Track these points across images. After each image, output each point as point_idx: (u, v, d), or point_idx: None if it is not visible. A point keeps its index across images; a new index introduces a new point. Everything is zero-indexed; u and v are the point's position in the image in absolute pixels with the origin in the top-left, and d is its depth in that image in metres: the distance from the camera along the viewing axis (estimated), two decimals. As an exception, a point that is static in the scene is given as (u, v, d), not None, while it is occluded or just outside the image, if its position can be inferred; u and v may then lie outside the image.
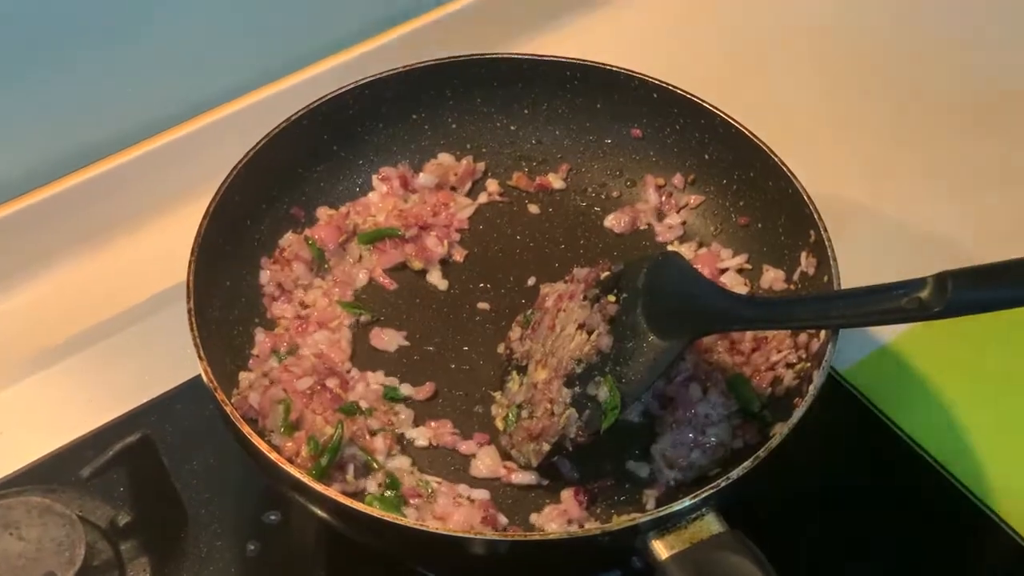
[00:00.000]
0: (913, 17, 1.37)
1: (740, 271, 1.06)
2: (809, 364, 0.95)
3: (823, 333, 0.94)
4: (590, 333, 0.91)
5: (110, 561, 0.93)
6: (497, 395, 0.98)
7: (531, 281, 1.06)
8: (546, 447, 0.92)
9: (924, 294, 0.84)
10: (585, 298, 0.94)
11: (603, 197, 1.12)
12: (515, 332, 1.00)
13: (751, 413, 0.96)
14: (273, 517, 0.98)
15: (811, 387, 0.90)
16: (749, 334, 0.99)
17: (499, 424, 0.96)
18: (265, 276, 1.03)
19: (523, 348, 0.97)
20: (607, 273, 0.94)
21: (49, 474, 0.98)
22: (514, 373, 0.97)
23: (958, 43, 1.34)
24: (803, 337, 0.98)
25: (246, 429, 0.86)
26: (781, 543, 0.81)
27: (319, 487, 0.83)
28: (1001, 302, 0.84)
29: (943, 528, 1.01)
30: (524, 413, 0.94)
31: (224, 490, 1.00)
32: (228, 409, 0.87)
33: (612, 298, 0.92)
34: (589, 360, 0.91)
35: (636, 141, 1.12)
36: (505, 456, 0.95)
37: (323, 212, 1.08)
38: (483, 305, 1.05)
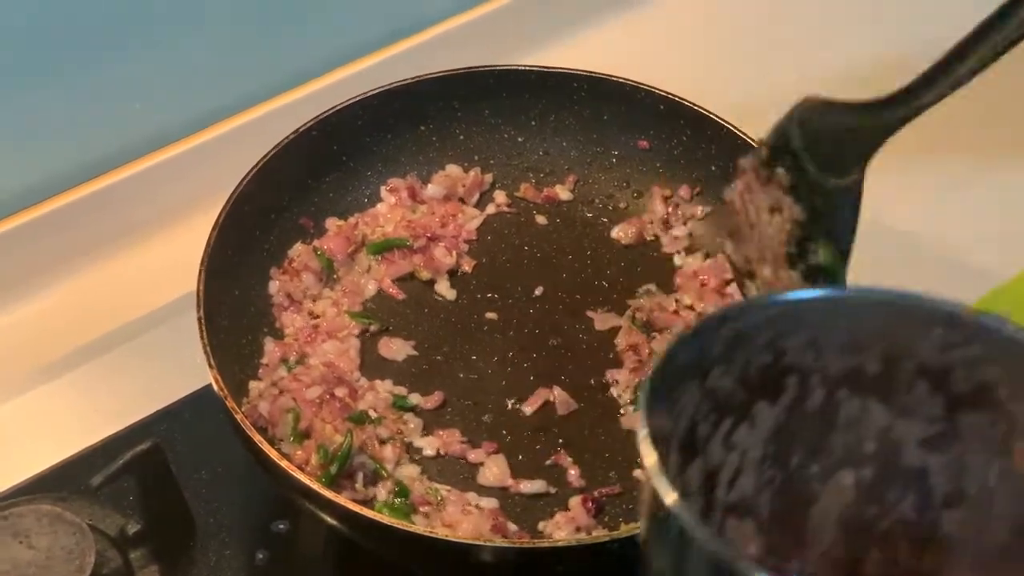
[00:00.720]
0: (922, 28, 1.37)
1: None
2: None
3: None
4: (781, 211, 0.89)
5: (119, 569, 0.93)
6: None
7: (538, 291, 1.07)
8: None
9: None
10: (761, 182, 0.91)
11: (610, 208, 1.13)
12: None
13: None
14: (281, 526, 0.98)
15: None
16: None
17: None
18: (274, 287, 1.04)
19: (738, 258, 0.94)
20: (765, 149, 0.91)
21: (59, 483, 0.98)
22: (747, 283, 0.94)
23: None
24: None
25: (257, 437, 0.86)
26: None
27: (330, 495, 0.83)
28: None
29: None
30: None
31: (232, 499, 1.00)
32: (239, 417, 0.87)
33: (781, 170, 0.89)
34: (793, 235, 0.88)
35: (643, 152, 1.12)
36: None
37: (332, 223, 1.08)
38: (491, 315, 1.05)
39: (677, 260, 1.09)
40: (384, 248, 1.07)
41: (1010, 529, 0.65)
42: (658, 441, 0.60)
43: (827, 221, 0.89)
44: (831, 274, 0.88)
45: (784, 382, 0.68)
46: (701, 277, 1.06)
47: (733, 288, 1.06)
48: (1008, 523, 0.65)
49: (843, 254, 0.89)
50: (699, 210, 1.11)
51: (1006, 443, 0.65)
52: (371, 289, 1.06)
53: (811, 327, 0.67)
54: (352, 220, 1.09)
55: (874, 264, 1.04)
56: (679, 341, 0.64)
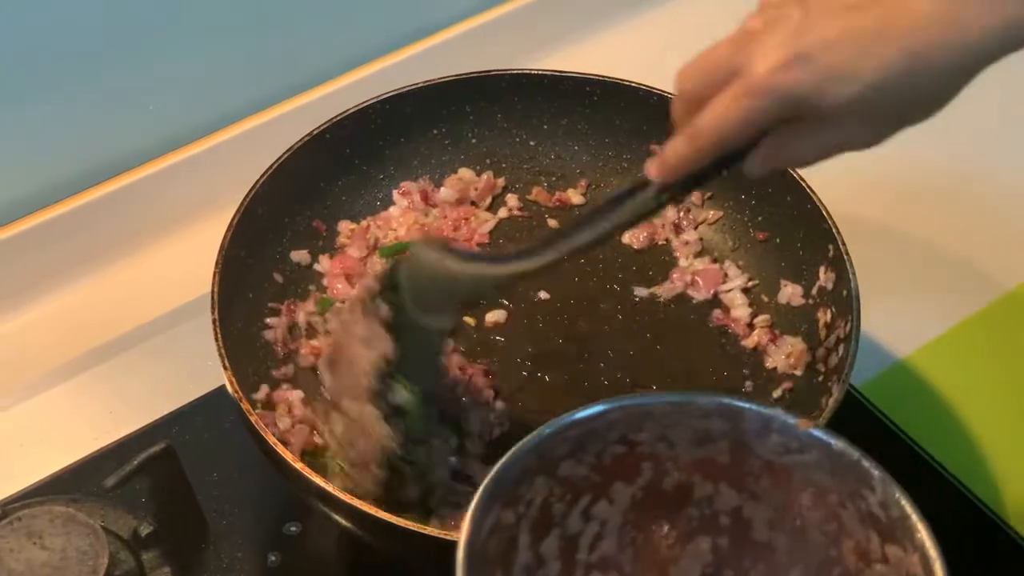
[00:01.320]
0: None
1: (746, 290, 1.07)
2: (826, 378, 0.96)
3: (842, 347, 0.94)
4: (372, 345, 0.89)
5: (132, 571, 0.93)
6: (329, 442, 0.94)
7: (541, 294, 1.07)
8: (377, 471, 0.89)
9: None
10: (364, 313, 0.90)
11: (621, 212, 1.13)
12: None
13: None
14: (294, 528, 0.98)
15: (830, 401, 0.90)
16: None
17: (340, 467, 0.92)
18: (272, 334, 1.02)
19: (334, 388, 0.92)
20: (377, 282, 0.90)
21: (72, 484, 0.99)
22: (334, 415, 0.92)
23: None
24: (821, 351, 0.99)
25: (271, 439, 0.86)
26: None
27: (345, 496, 0.83)
28: None
29: (962, 547, 1.00)
30: (351, 450, 0.90)
31: (244, 502, 1.00)
32: (253, 419, 0.87)
33: (383, 303, 0.89)
34: (380, 371, 0.88)
35: (645, 154, 1.12)
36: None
37: (344, 226, 1.09)
38: (499, 318, 1.05)
39: (683, 262, 1.09)
40: (396, 251, 1.07)
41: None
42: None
43: (413, 360, 0.88)
44: (406, 414, 0.89)
45: (640, 466, 0.74)
46: (696, 279, 1.07)
47: (731, 295, 1.06)
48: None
49: (423, 396, 0.89)
50: (710, 215, 1.11)
51: (837, 540, 0.71)
52: None
53: (660, 425, 0.73)
54: (364, 223, 1.09)
55: (882, 270, 1.04)
56: (514, 454, 0.70)
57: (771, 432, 0.71)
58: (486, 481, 0.69)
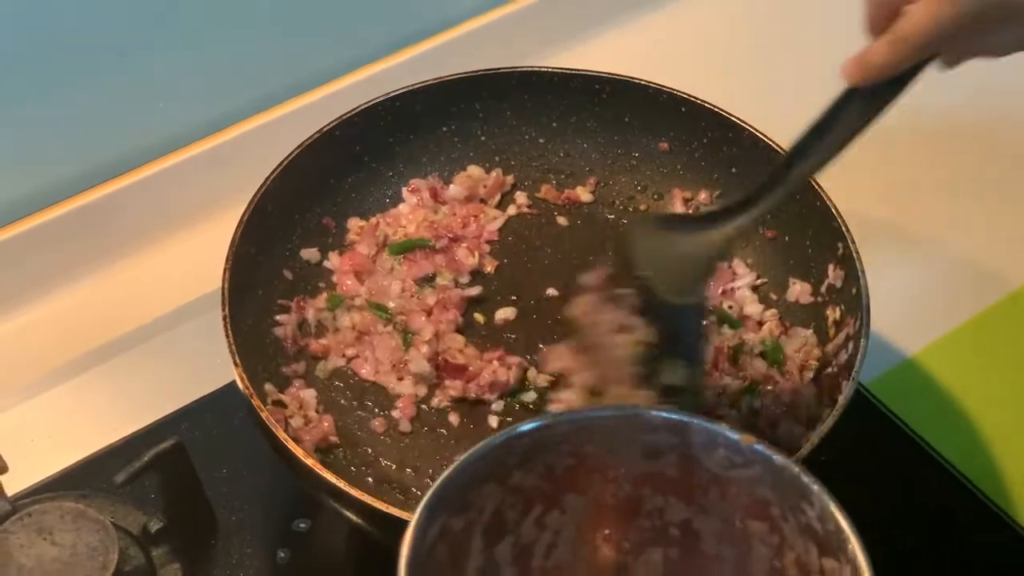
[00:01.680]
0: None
1: (755, 288, 1.07)
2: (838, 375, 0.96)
3: (851, 344, 0.94)
4: (628, 331, 0.90)
5: (142, 567, 0.93)
6: None
7: (550, 291, 1.07)
8: None
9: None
10: (608, 302, 0.92)
11: (630, 210, 1.13)
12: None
13: None
14: (303, 525, 0.98)
15: (840, 398, 0.90)
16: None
17: None
18: (282, 331, 1.02)
19: (589, 376, 0.94)
20: (609, 272, 0.92)
21: (82, 480, 0.99)
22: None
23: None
24: (831, 347, 0.99)
25: (282, 435, 0.87)
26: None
27: (355, 492, 0.83)
28: None
29: (969, 543, 1.01)
30: None
31: (254, 498, 1.01)
32: (264, 415, 0.88)
33: (628, 291, 0.90)
34: (641, 355, 0.89)
35: (664, 154, 1.12)
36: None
37: (354, 223, 1.09)
38: (509, 315, 1.06)
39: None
40: (406, 248, 1.07)
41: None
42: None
43: (675, 340, 0.89)
44: (687, 391, 0.89)
45: (591, 478, 0.76)
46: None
47: (739, 293, 1.06)
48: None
49: (695, 370, 0.90)
50: (719, 213, 1.11)
51: (780, 552, 0.73)
52: (396, 289, 1.06)
53: (609, 437, 0.74)
54: (374, 220, 1.09)
55: (890, 268, 1.05)
56: (465, 460, 0.72)
57: (717, 447, 0.73)
58: (432, 489, 0.70)
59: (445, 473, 0.70)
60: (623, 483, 0.76)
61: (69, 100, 1.11)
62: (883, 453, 1.05)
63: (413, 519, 0.69)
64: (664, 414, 0.74)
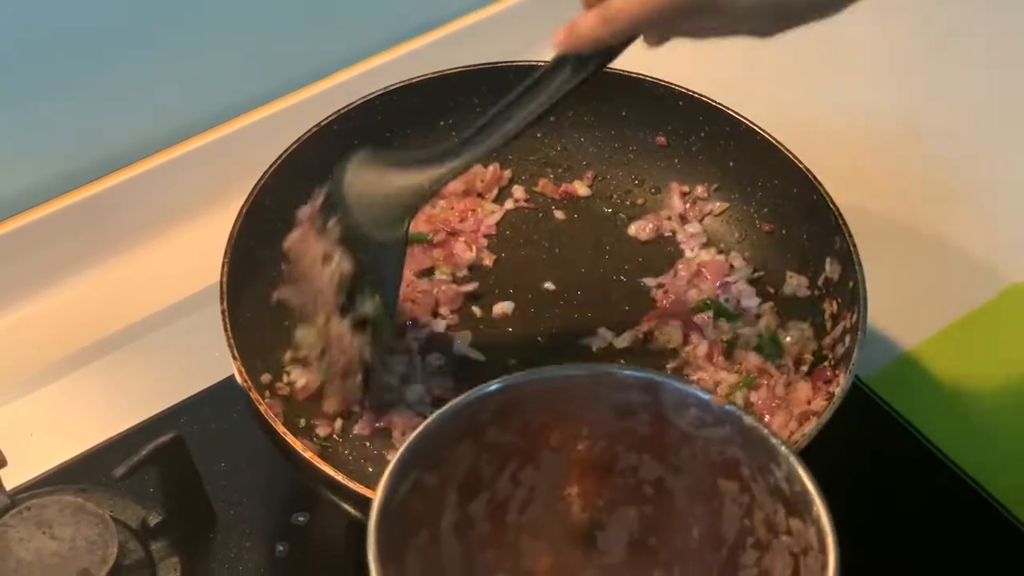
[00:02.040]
0: (948, 27, 1.37)
1: (752, 282, 1.07)
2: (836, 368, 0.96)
3: (848, 337, 0.95)
4: (331, 262, 0.93)
5: (141, 560, 0.93)
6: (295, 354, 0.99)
7: (547, 285, 1.07)
8: (353, 382, 0.95)
9: None
10: (316, 231, 0.95)
11: (628, 204, 1.13)
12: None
13: None
14: (301, 518, 0.99)
15: (836, 391, 0.90)
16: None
17: (319, 378, 0.97)
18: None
19: (297, 304, 0.98)
20: (320, 200, 0.95)
21: (81, 474, 0.99)
22: (302, 328, 0.98)
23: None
24: (827, 340, 0.99)
25: (281, 428, 0.87)
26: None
27: (354, 485, 0.84)
28: None
29: (966, 536, 1.01)
30: (327, 364, 0.96)
31: (252, 492, 1.01)
32: (262, 408, 0.88)
33: (332, 222, 0.93)
34: (343, 286, 0.92)
35: (661, 148, 1.12)
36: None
37: None
38: (507, 309, 1.06)
39: (689, 253, 1.09)
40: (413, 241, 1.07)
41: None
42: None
43: (373, 274, 0.92)
44: (376, 325, 0.93)
45: (565, 436, 0.77)
46: (702, 270, 1.07)
47: (737, 287, 1.06)
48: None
49: (388, 306, 0.94)
50: (716, 206, 1.11)
51: (750, 511, 0.74)
52: None
53: (581, 397, 0.76)
54: None
55: (887, 262, 1.05)
56: (439, 416, 0.73)
57: (689, 406, 0.74)
58: (405, 445, 0.71)
59: (417, 430, 0.72)
60: (597, 441, 0.77)
61: (66, 95, 1.11)
62: (880, 447, 1.05)
63: (387, 472, 0.70)
64: (635, 373, 0.75)
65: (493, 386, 0.74)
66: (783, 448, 0.71)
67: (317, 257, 0.93)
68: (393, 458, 0.72)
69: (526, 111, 0.88)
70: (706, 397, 0.73)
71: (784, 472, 0.71)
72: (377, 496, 0.69)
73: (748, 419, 0.72)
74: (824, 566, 0.68)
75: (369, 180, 0.92)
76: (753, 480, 0.73)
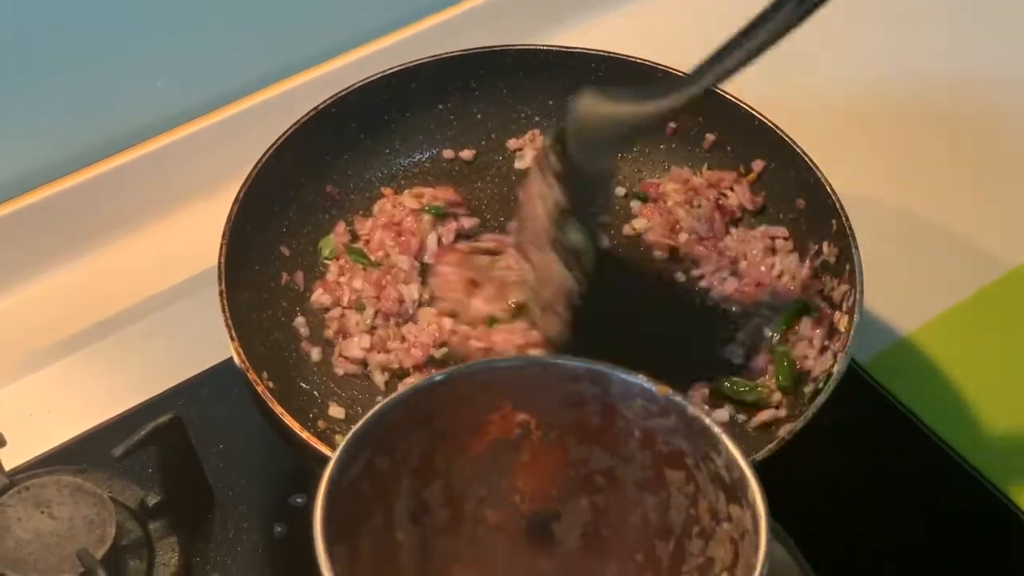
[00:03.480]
0: (949, 11, 1.37)
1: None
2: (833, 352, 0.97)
3: (845, 319, 0.95)
4: (547, 197, 0.95)
5: (139, 540, 0.93)
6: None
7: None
8: (563, 313, 0.96)
9: None
10: (541, 169, 0.96)
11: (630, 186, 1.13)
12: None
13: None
14: (299, 500, 0.99)
15: (833, 372, 0.91)
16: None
17: (534, 311, 0.99)
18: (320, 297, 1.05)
19: (522, 242, 1.00)
20: (550, 137, 0.96)
21: (80, 455, 1.00)
22: (525, 265, 1.00)
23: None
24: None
25: (278, 409, 0.87)
26: (796, 537, 0.82)
27: (351, 465, 0.84)
28: None
29: (966, 524, 1.01)
30: (539, 296, 0.98)
31: (251, 473, 1.01)
32: (260, 389, 0.88)
33: (553, 157, 0.94)
34: (557, 219, 0.94)
35: (662, 133, 1.12)
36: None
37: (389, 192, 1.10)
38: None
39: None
40: (444, 213, 1.08)
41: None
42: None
43: (582, 204, 0.94)
44: (581, 253, 0.95)
45: (518, 427, 0.77)
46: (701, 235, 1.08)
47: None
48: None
49: (592, 236, 0.95)
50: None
51: (695, 500, 0.75)
52: (431, 244, 1.07)
53: (532, 386, 0.76)
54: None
55: (885, 245, 1.05)
56: (388, 403, 0.73)
57: (635, 396, 0.74)
58: (356, 426, 0.71)
59: (368, 413, 0.72)
60: (548, 431, 0.77)
61: (65, 78, 1.11)
62: (878, 432, 1.05)
63: (337, 450, 0.70)
64: (582, 364, 0.75)
65: (438, 377, 0.74)
66: (723, 436, 0.71)
67: (535, 193, 0.96)
68: (344, 438, 0.72)
69: (745, 51, 0.86)
70: (651, 387, 0.74)
71: (724, 459, 0.71)
72: (326, 473, 0.70)
73: (691, 409, 0.73)
74: (756, 547, 0.68)
75: (588, 115, 0.92)
76: (697, 468, 0.74)
